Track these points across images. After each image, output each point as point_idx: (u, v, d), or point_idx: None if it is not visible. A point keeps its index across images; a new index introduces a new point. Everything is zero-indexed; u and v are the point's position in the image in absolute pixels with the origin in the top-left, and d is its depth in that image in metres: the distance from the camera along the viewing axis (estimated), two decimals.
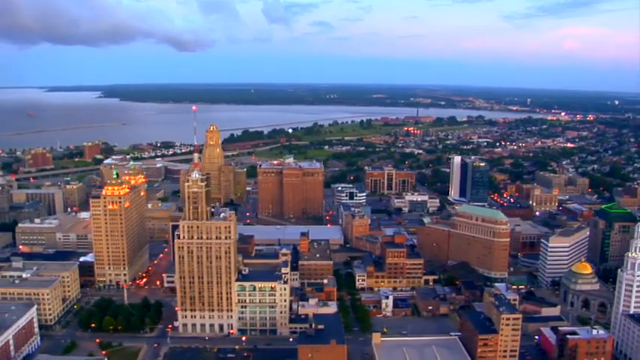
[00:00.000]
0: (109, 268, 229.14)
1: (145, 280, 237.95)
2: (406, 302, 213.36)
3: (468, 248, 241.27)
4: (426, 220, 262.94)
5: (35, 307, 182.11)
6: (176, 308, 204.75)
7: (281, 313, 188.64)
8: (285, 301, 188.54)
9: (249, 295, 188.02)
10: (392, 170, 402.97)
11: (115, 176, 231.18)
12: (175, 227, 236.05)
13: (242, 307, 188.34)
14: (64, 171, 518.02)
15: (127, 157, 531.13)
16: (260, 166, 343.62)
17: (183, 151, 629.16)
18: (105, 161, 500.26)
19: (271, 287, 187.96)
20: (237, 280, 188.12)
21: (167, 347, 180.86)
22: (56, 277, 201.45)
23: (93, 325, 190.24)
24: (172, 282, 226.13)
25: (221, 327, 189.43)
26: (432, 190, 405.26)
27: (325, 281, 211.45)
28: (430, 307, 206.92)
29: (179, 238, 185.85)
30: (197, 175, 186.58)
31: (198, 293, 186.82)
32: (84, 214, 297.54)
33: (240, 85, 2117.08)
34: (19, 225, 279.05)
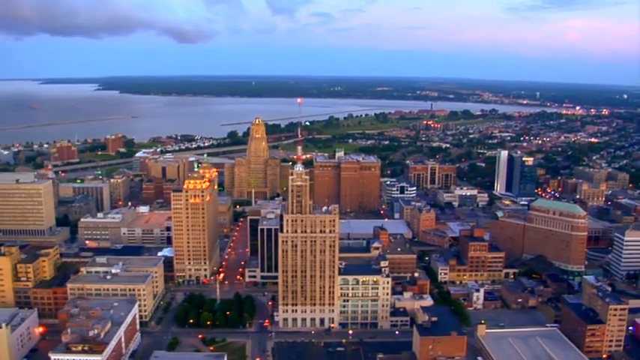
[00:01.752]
0: (189, 262, 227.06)
1: (222, 274, 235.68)
2: (493, 295, 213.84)
3: (544, 242, 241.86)
4: (500, 214, 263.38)
5: (137, 303, 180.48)
6: (269, 303, 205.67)
7: (383, 306, 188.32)
8: (387, 294, 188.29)
9: (352, 288, 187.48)
10: (435, 164, 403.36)
11: (196, 169, 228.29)
12: (254, 221, 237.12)
13: (344, 300, 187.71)
14: (91, 164, 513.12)
15: (157, 150, 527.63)
16: (316, 159, 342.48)
17: (206, 144, 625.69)
18: (137, 154, 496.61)
19: (374, 281, 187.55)
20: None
21: (272, 342, 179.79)
22: (149, 273, 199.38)
23: (191, 320, 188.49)
24: (254, 277, 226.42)
25: (322, 321, 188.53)
26: (472, 184, 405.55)
27: (416, 274, 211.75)
28: (520, 300, 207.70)
29: (282, 231, 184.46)
30: (301, 169, 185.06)
31: (301, 287, 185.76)
32: (142, 208, 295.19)
33: (240, 78, 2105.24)
34: (82, 220, 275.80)
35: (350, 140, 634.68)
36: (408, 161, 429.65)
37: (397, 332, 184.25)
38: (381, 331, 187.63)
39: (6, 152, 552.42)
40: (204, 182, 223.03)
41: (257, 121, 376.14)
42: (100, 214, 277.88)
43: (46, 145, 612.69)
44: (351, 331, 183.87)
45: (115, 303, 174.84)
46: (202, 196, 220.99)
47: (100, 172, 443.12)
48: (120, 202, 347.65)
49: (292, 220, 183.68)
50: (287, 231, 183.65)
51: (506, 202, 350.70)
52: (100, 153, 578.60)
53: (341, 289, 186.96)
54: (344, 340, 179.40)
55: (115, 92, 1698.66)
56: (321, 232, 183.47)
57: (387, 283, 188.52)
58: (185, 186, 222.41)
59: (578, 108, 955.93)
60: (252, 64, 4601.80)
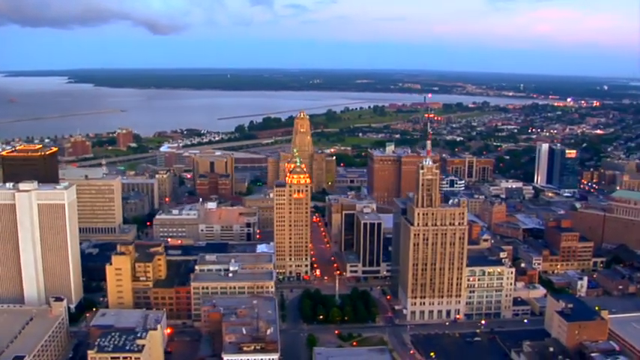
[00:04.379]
0: (290, 259, 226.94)
1: (318, 270, 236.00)
2: (593, 283, 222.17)
3: (625, 231, 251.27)
4: (578, 205, 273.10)
5: (276, 300, 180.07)
6: (387, 297, 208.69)
7: (506, 296, 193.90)
8: (510, 284, 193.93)
9: (478, 279, 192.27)
10: (472, 158, 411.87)
11: (298, 163, 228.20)
12: (349, 216, 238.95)
13: (470, 291, 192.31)
14: (108, 160, 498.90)
15: (180, 144, 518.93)
16: (374, 154, 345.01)
17: (217, 138, 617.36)
18: (161, 149, 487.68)
19: (499, 272, 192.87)
20: None
21: (407, 335, 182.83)
22: (271, 270, 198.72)
23: (321, 317, 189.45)
24: (355, 271, 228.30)
25: (447, 312, 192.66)
26: (505, 176, 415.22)
27: (523, 265, 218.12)
28: (620, 287, 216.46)
29: (412, 224, 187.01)
30: (431, 163, 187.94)
31: (430, 280, 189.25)
32: (210, 205, 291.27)
33: (215, 70, 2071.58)
34: (157, 217, 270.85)
35: (359, 134, 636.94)
36: (444, 155, 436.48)
37: (526, 321, 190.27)
38: (504, 320, 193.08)
39: (9, 148, 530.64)
40: (307, 177, 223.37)
41: (301, 115, 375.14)
42: (174, 211, 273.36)
43: (47, 140, 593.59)
44: (483, 322, 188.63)
45: (254, 301, 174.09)
46: (306, 191, 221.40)
47: (123, 168, 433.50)
48: (166, 199, 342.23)
49: (423, 214, 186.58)
50: (418, 224, 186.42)
51: (550, 194, 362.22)
52: (110, 148, 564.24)
53: (468, 280, 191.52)
54: (478, 331, 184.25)
55: (89, 85, 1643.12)
56: (450, 224, 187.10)
57: (511, 273, 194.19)
58: (288, 181, 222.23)
59: (569, 100, 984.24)
60: (226, 56, 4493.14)
